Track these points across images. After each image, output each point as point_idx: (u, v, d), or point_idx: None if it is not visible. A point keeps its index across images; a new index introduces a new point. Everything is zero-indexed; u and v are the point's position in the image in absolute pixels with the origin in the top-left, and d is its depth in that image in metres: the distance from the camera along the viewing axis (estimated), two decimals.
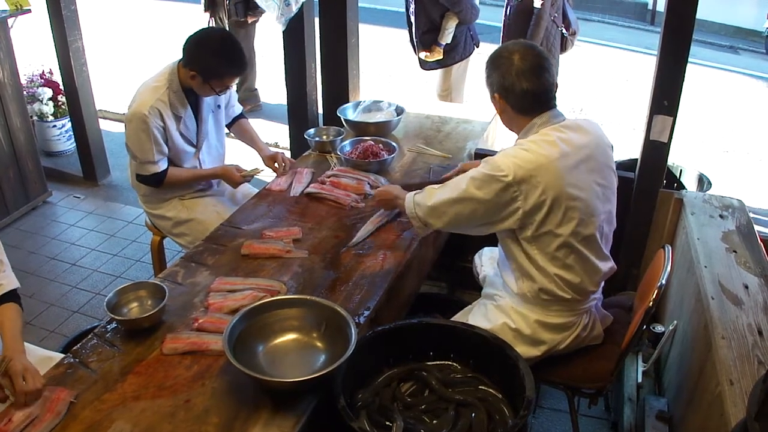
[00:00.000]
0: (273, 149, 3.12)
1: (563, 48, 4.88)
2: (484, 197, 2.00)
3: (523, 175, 1.94)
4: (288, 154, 3.86)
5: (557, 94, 2.12)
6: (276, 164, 2.98)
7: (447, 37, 4.43)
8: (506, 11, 4.80)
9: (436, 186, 2.22)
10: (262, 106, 6.26)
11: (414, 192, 2.28)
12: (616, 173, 2.18)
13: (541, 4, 4.47)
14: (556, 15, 4.64)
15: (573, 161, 2.00)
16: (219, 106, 2.99)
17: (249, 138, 3.22)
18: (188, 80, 2.71)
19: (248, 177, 2.91)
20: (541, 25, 4.53)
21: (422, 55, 4.55)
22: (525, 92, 2.02)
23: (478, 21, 4.60)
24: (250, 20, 5.66)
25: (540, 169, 1.94)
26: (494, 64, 2.08)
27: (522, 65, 2.01)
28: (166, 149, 2.81)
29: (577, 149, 2.02)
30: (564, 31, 4.77)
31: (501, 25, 4.92)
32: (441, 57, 4.52)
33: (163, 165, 2.83)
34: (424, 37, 4.49)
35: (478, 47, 4.75)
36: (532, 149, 1.98)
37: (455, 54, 4.55)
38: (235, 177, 2.89)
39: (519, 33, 4.63)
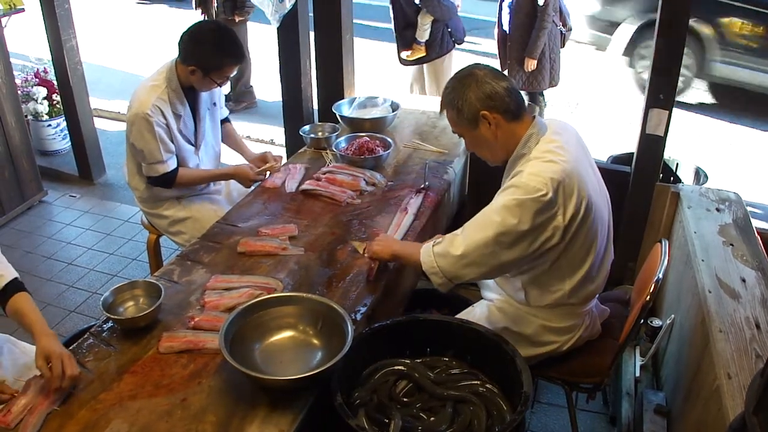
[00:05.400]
0: (256, 151, 3.15)
1: (562, 44, 4.90)
2: (524, 225, 1.87)
3: (558, 185, 1.86)
4: (283, 151, 3.87)
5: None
6: (268, 163, 2.98)
7: (423, 34, 4.51)
8: (500, 8, 4.80)
9: (457, 231, 2.02)
10: (257, 104, 6.26)
11: (432, 242, 2.07)
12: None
13: (544, 2, 4.49)
14: (554, 15, 4.65)
15: (582, 162, 1.99)
16: (214, 104, 2.97)
17: (234, 143, 3.25)
18: (188, 77, 2.69)
19: (262, 174, 2.92)
20: (546, 26, 4.56)
21: (404, 54, 4.64)
22: (508, 90, 1.95)
23: (473, 16, 4.61)
24: (237, 19, 5.63)
25: (571, 175, 1.88)
26: (462, 86, 1.97)
27: (486, 72, 1.97)
28: (172, 147, 2.79)
29: (576, 150, 2.01)
30: (562, 28, 4.79)
31: (495, 20, 4.92)
32: (423, 54, 4.58)
33: (172, 164, 2.80)
34: (404, 33, 4.57)
35: (459, 44, 4.82)
36: (554, 159, 1.90)
37: (432, 51, 4.61)
38: (249, 175, 2.89)
39: (522, 30, 4.65)
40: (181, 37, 2.67)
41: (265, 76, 6.37)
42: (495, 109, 1.94)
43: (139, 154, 2.77)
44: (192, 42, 2.65)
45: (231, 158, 3.30)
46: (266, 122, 5.76)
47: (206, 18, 5.56)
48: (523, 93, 4.89)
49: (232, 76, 2.82)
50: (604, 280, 2.15)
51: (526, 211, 1.86)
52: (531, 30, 4.63)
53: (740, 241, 2.56)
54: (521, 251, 1.93)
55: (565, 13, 4.85)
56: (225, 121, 3.21)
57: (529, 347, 2.17)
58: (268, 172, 2.95)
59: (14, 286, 1.91)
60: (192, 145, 2.92)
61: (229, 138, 3.24)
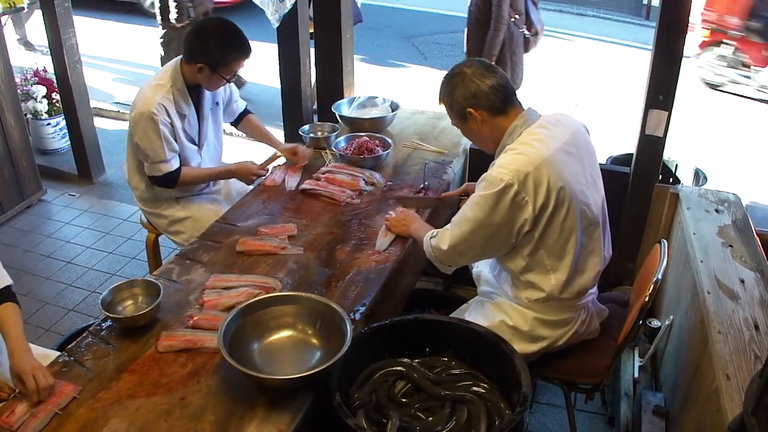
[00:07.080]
0: (289, 144, 3.12)
1: (526, 48, 4.84)
2: (496, 217, 1.96)
3: (525, 176, 1.91)
4: None
5: (541, 93, 2.11)
6: (297, 156, 2.97)
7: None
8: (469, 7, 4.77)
9: (447, 226, 2.15)
10: (245, 83, 6.21)
11: (429, 234, 2.23)
12: (596, 158, 2.19)
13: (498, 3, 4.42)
14: (517, 17, 4.59)
15: (565, 154, 2.01)
16: (217, 103, 2.96)
17: (261, 134, 3.20)
18: (194, 75, 2.68)
19: (264, 168, 2.91)
20: (500, 29, 4.50)
21: None
22: (493, 87, 2.02)
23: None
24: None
25: (541, 166, 1.93)
26: (450, 84, 2.08)
27: (474, 70, 2.05)
28: (176, 146, 2.77)
29: (565, 143, 2.03)
30: (526, 32, 4.73)
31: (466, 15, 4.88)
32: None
33: (175, 163, 2.78)
34: None
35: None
36: (525, 151, 1.96)
37: None
38: (252, 170, 2.87)
39: (479, 30, 4.62)
40: (186, 36, 2.67)
41: (263, 76, 6.37)
42: (480, 106, 2.04)
43: (142, 153, 2.75)
44: (197, 40, 2.64)
45: (231, 158, 3.29)
46: (265, 122, 5.66)
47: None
48: None
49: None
50: (596, 275, 2.16)
51: (493, 203, 1.95)
52: (488, 32, 4.58)
53: (739, 242, 2.56)
54: (501, 240, 2.03)
55: (533, 18, 4.77)
56: (245, 113, 3.19)
57: (525, 342, 2.18)
58: (270, 168, 2.95)
59: (3, 296, 1.91)
60: (195, 144, 2.92)
61: (255, 131, 3.20)
